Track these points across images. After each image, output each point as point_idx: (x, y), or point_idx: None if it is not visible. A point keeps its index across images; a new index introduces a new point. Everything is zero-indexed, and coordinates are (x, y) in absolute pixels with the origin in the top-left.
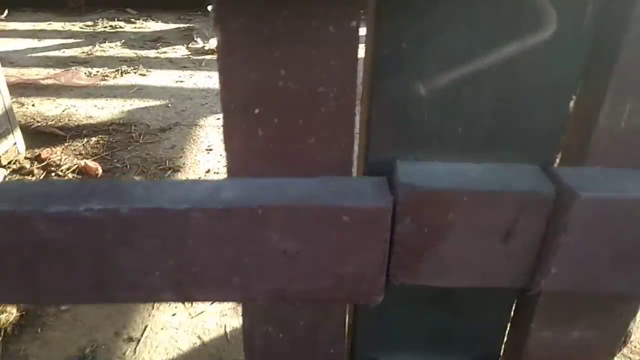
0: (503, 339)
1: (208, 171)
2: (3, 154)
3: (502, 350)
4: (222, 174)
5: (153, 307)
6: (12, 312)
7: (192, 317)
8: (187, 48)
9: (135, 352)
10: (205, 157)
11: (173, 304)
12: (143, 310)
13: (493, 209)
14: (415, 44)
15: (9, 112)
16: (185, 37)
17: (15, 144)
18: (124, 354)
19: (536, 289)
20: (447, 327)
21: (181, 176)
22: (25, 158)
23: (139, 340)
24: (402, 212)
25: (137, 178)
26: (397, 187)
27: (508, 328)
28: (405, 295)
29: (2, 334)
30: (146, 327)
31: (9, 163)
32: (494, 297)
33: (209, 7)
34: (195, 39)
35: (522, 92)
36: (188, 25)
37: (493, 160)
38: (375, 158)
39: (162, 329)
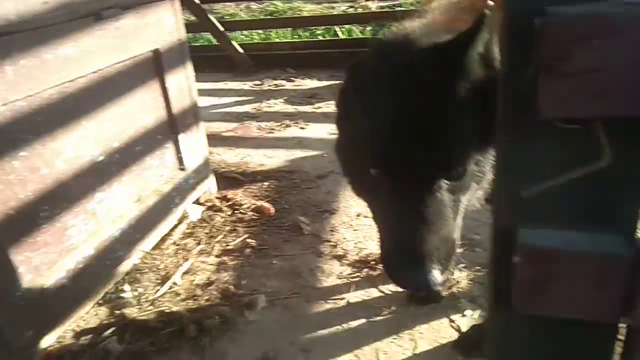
0: None
1: (358, 215)
2: (202, 195)
3: None
4: (370, 217)
5: (318, 326)
6: (216, 318)
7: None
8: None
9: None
10: (356, 202)
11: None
12: (311, 329)
13: (586, 265)
14: (525, 159)
15: (206, 163)
16: (336, 92)
17: (210, 186)
18: None
19: (627, 323)
20: (559, 354)
21: (336, 218)
22: (216, 197)
23: (309, 351)
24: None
25: (300, 218)
26: (519, 245)
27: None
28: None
29: (210, 334)
30: (314, 340)
31: (205, 201)
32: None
33: None
34: None
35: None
36: (339, 81)
37: (587, 230)
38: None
39: (327, 344)
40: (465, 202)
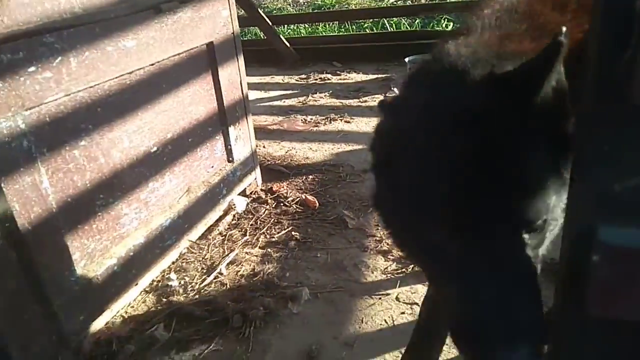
0: None
1: None
2: (247, 187)
3: None
4: None
5: (362, 322)
6: (260, 309)
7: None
8: (385, 97)
9: (350, 355)
10: None
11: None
12: (354, 323)
13: None
14: (616, 150)
15: (254, 155)
16: (383, 86)
17: (255, 178)
18: (342, 356)
19: None
20: None
21: None
22: (261, 190)
23: (351, 346)
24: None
25: (345, 212)
26: (599, 244)
27: None
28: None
29: (253, 325)
30: (357, 336)
31: (251, 193)
32: None
33: (406, 59)
34: (392, 88)
35: None
36: (386, 75)
37: None
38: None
39: (371, 340)
40: (541, 256)
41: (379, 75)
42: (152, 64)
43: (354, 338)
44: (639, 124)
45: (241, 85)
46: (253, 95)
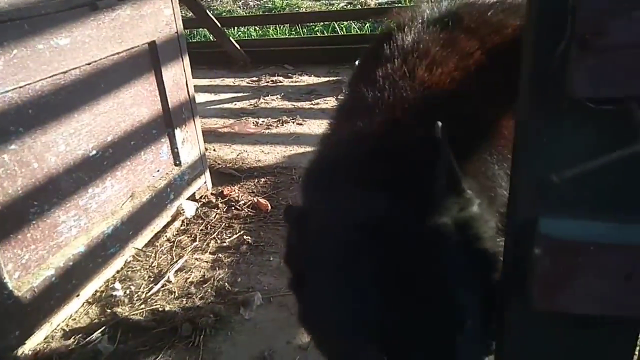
0: None
1: None
2: (197, 191)
3: None
4: None
5: None
6: (210, 316)
7: None
8: (337, 99)
9: (304, 359)
10: None
11: None
12: None
13: (615, 257)
14: (553, 142)
15: (202, 158)
16: (335, 89)
17: (205, 182)
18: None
19: None
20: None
21: None
22: (212, 194)
23: (305, 350)
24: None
25: None
26: (540, 237)
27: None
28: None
29: (203, 333)
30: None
31: (200, 197)
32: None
33: (356, 62)
34: (344, 90)
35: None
36: (337, 77)
37: (616, 220)
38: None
39: None
40: None
41: (331, 78)
42: (89, 63)
43: (308, 342)
44: (574, 116)
45: (187, 86)
46: (203, 97)
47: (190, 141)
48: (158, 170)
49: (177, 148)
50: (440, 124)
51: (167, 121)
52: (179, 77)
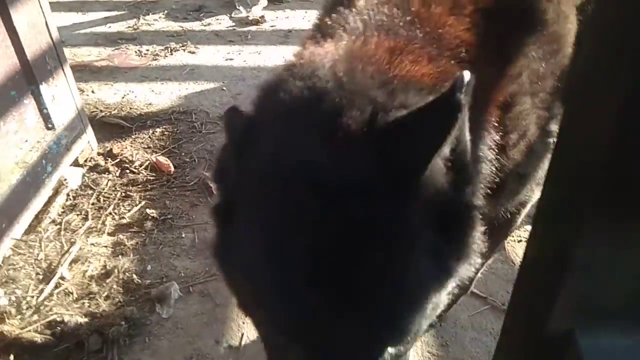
0: None
1: None
2: (80, 154)
3: None
4: None
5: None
6: (121, 324)
7: None
8: (231, 18)
9: (237, 358)
10: None
11: None
12: (237, 318)
13: None
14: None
15: (81, 113)
16: (226, 4)
17: (89, 142)
18: None
19: None
20: None
21: None
22: (99, 154)
23: (238, 348)
24: None
25: (207, 174)
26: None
27: None
28: None
29: (116, 345)
30: (242, 334)
31: (85, 161)
32: None
33: None
34: (237, 7)
35: None
36: None
37: None
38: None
39: (255, 337)
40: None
41: None
42: None
43: (240, 337)
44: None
45: (48, 28)
46: (67, 19)
47: (62, 96)
48: (26, 141)
49: (46, 108)
50: (467, 74)
51: (29, 77)
52: (35, 17)
